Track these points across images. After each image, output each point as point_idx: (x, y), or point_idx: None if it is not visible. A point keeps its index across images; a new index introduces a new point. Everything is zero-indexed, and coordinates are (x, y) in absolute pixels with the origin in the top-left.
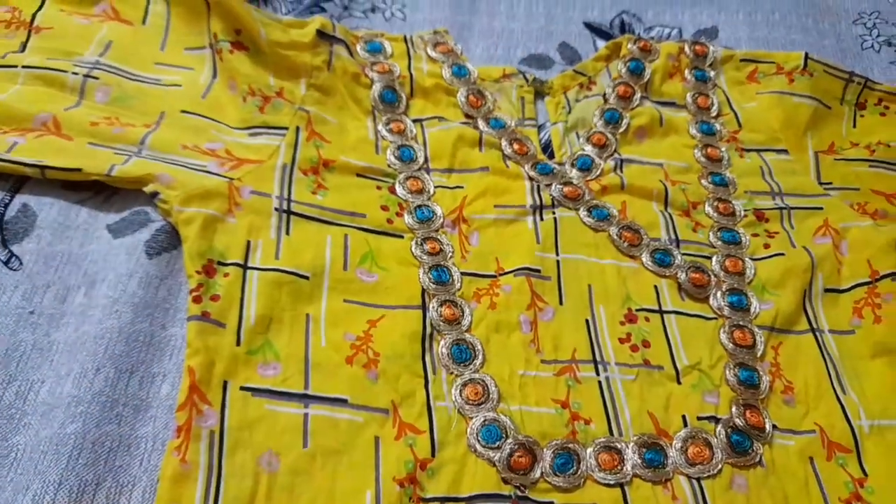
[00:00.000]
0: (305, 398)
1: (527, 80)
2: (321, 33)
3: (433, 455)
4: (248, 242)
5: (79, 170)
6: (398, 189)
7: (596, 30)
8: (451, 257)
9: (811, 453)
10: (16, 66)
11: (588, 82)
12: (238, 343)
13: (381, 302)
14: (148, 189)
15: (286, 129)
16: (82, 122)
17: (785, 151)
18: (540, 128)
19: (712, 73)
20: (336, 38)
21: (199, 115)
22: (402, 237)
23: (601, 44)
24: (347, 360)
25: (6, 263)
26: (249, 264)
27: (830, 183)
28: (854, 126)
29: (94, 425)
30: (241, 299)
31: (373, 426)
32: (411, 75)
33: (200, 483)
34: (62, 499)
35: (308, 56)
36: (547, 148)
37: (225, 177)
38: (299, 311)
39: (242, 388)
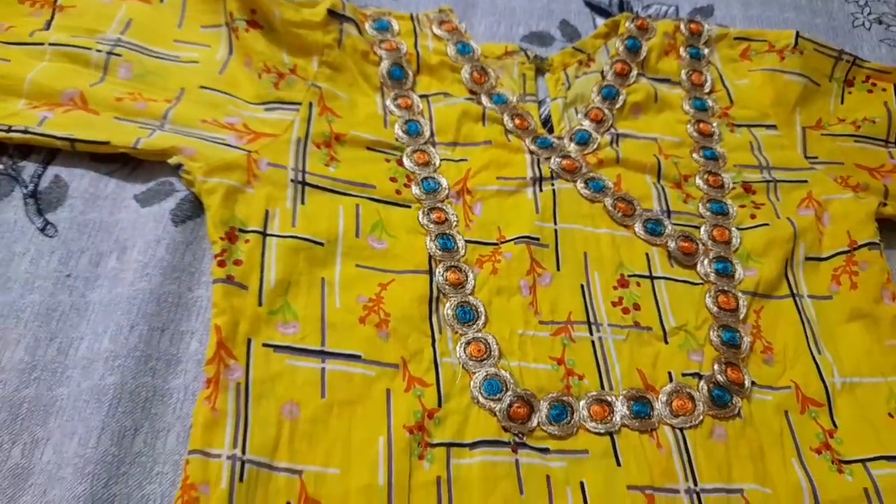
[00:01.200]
0: (322, 354)
1: (528, 57)
2: (332, 12)
3: (440, 406)
4: (267, 211)
5: (107, 143)
6: (406, 162)
7: (596, 8)
8: (455, 226)
9: (786, 407)
10: (42, 44)
11: (587, 59)
12: (260, 304)
13: (391, 267)
14: (172, 161)
15: (300, 104)
16: (107, 98)
17: (774, 127)
18: (540, 103)
19: (706, 51)
20: (346, 16)
21: (217, 90)
22: (409, 207)
23: (600, 21)
24: (360, 320)
25: (42, 230)
26: (268, 231)
27: (816, 157)
28: (842, 102)
29: (130, 377)
30: (262, 264)
31: (384, 380)
32: (418, 53)
33: (229, 429)
34: (105, 442)
35: (320, 34)
36: (547, 123)
37: (243, 149)
38: (315, 275)
39: (265, 345)
